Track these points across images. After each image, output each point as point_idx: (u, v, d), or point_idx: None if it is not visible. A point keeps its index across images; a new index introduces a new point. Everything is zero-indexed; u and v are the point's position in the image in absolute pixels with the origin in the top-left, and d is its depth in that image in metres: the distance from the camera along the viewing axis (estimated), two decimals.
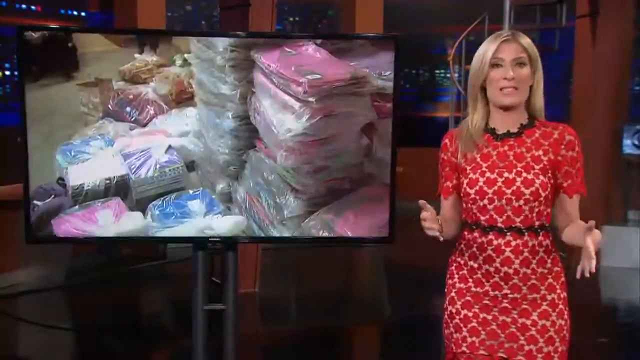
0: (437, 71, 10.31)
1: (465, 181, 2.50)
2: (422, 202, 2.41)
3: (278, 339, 5.42)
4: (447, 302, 2.62)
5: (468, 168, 2.51)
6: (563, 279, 2.56)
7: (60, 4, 6.78)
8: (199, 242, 3.23)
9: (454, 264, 2.61)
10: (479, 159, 2.51)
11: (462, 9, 9.69)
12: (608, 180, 7.22)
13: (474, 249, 2.51)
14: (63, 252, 6.39)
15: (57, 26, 3.29)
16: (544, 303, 2.50)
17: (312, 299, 6.21)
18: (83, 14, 7.01)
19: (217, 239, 3.21)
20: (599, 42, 7.00)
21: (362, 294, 6.76)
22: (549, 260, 2.52)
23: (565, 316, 2.54)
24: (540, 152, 2.48)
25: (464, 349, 2.54)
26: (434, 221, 2.42)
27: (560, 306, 2.53)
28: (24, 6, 6.37)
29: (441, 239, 2.44)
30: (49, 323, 5.31)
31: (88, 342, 5.23)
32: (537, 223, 2.47)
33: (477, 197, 2.47)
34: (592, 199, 7.01)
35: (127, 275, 6.75)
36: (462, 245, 2.57)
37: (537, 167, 2.46)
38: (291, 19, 10.24)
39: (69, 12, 6.92)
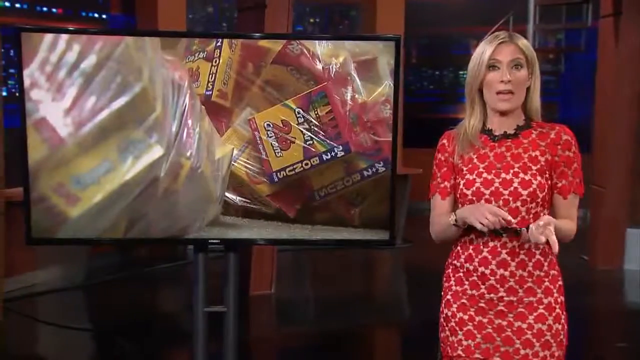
0: (461, 72, 10.26)
1: (462, 182, 2.50)
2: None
3: (293, 341, 5.42)
4: (443, 305, 2.61)
5: (465, 169, 2.51)
6: (560, 282, 2.53)
7: (82, 7, 6.85)
8: (198, 244, 3.24)
9: (451, 267, 2.60)
10: (475, 160, 2.50)
11: (486, 9, 9.64)
12: (633, 181, 7.11)
13: (470, 251, 2.50)
14: (80, 252, 6.44)
15: (57, 27, 3.30)
16: (540, 307, 2.47)
17: (328, 301, 6.20)
18: (104, 16, 7.07)
19: (217, 241, 3.21)
20: (622, 42, 6.90)
21: (379, 296, 6.75)
22: (546, 263, 2.49)
23: (563, 320, 2.51)
24: (538, 153, 2.46)
25: (459, 352, 2.53)
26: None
27: (557, 310, 2.49)
28: (44, 9, 6.45)
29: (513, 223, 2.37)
30: (66, 323, 5.36)
31: (105, 343, 5.27)
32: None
33: (474, 198, 2.45)
34: (616, 200, 6.99)
35: (145, 275, 6.79)
36: (459, 248, 2.56)
37: (534, 167, 2.44)
38: (312, 20, 10.24)
39: (90, 14, 6.98)
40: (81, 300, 6.33)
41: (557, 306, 2.50)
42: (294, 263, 7.24)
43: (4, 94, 5.40)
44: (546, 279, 2.48)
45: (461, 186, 2.50)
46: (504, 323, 2.47)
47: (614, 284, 6.84)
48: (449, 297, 2.58)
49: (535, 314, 2.46)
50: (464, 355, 2.52)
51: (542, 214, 2.45)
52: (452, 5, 10.05)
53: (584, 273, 6.95)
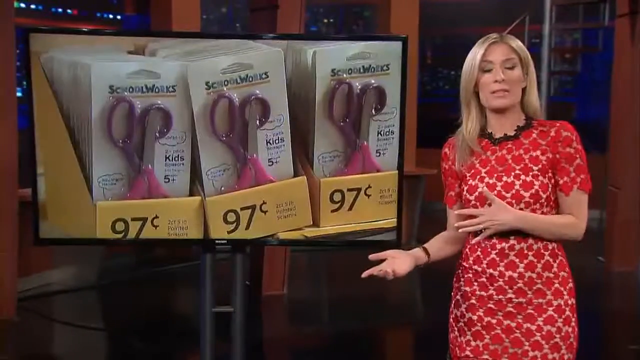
0: None
1: (465, 188, 2.50)
2: (372, 256, 2.57)
3: (305, 341, 5.42)
4: (452, 306, 2.61)
5: (468, 175, 2.50)
6: (571, 284, 2.50)
7: (97, 8, 6.88)
8: (206, 245, 3.25)
9: (460, 267, 2.59)
10: (477, 165, 2.49)
11: (502, 9, 9.59)
12: None
13: (479, 253, 2.49)
14: (96, 252, 6.47)
15: (65, 28, 3.32)
16: (550, 308, 2.44)
17: (341, 302, 6.19)
18: (119, 17, 7.10)
19: (224, 242, 3.22)
20: (639, 41, 6.84)
21: (392, 297, 6.71)
22: (555, 265, 2.46)
23: (573, 323, 2.48)
24: (538, 153, 2.44)
25: (467, 353, 2.51)
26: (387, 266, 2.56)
27: (567, 312, 2.46)
28: (59, 10, 6.49)
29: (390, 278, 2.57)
30: (82, 323, 5.38)
31: (118, 343, 5.29)
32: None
33: (478, 203, 2.44)
34: (632, 201, 6.90)
35: (160, 275, 6.81)
36: (467, 250, 2.55)
37: (535, 168, 2.42)
38: (326, 20, 10.25)
39: (105, 15, 7.02)
40: (96, 300, 6.35)
41: (567, 308, 2.46)
42: (306, 263, 7.23)
43: (19, 94, 5.44)
44: (556, 281, 2.46)
45: (465, 192, 2.50)
46: (513, 324, 2.45)
47: (629, 286, 6.79)
48: (458, 297, 2.58)
49: (544, 315, 2.44)
50: (472, 355, 2.50)
51: (549, 215, 2.43)
52: (467, 5, 10.02)
53: (599, 274, 6.91)
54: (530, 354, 2.44)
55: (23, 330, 5.31)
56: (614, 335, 5.55)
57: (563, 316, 2.45)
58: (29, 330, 5.34)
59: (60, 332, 5.42)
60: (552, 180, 2.44)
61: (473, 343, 2.50)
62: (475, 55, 2.43)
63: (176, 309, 6.32)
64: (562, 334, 2.45)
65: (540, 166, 2.42)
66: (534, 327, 2.44)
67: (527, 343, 2.44)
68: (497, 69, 2.40)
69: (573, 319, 2.48)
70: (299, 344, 5.38)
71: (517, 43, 2.45)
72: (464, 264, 2.56)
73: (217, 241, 3.22)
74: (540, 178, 2.41)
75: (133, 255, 7.06)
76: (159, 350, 5.01)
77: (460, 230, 2.47)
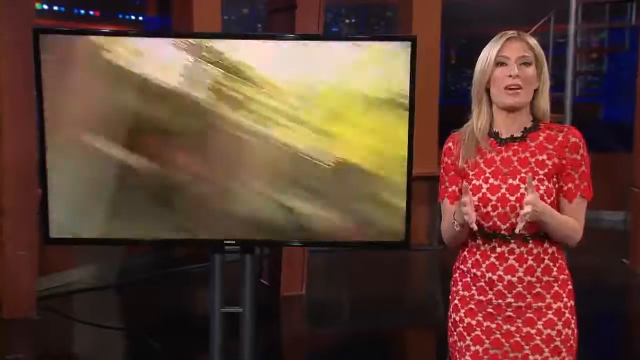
0: None
1: (469, 187, 2.44)
2: (465, 184, 2.33)
3: (324, 342, 5.40)
4: (450, 310, 2.58)
5: (471, 173, 2.46)
6: (570, 286, 2.49)
7: (118, 9, 6.92)
8: (214, 245, 3.25)
9: (458, 271, 2.57)
10: (482, 165, 2.45)
11: (527, 8, 9.48)
12: None
13: (477, 257, 2.46)
14: (117, 251, 6.51)
15: (75, 29, 3.35)
16: (550, 312, 2.43)
17: (360, 303, 6.17)
18: (140, 18, 7.13)
19: (232, 242, 3.22)
20: None
21: (412, 298, 6.68)
22: (555, 268, 2.44)
23: (572, 325, 2.47)
24: (545, 157, 2.41)
25: (467, 357, 2.50)
26: (472, 207, 2.31)
27: (567, 315, 2.45)
28: (82, 11, 6.53)
29: (475, 227, 2.32)
30: (100, 322, 5.41)
31: (137, 342, 5.31)
32: (542, 230, 2.40)
33: (481, 204, 2.41)
34: None
35: (179, 275, 6.83)
36: (465, 253, 2.52)
37: (541, 172, 2.39)
38: (347, 20, 10.24)
39: (127, 16, 7.05)
40: (115, 299, 6.39)
41: (567, 311, 2.45)
42: (326, 264, 7.20)
43: None
44: (555, 284, 2.44)
45: None
46: (513, 328, 2.44)
47: None
48: (456, 301, 2.55)
49: (544, 319, 2.42)
50: None
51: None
52: (492, 4, 9.94)
53: (623, 276, 6.81)
54: (531, 357, 2.43)
55: (43, 328, 5.36)
56: (637, 337, 5.48)
57: (563, 319, 2.43)
58: (48, 328, 5.38)
59: (80, 331, 5.46)
60: (557, 185, 2.41)
61: (473, 348, 2.49)
62: (490, 49, 2.40)
63: (194, 309, 6.33)
64: (562, 336, 2.43)
65: (546, 170, 2.39)
66: (533, 331, 2.42)
67: (527, 347, 2.43)
68: (512, 65, 2.37)
69: (573, 321, 2.47)
70: (317, 345, 5.37)
71: (533, 41, 2.43)
72: (462, 267, 2.53)
73: (225, 242, 3.22)
74: (546, 183, 2.38)
75: (152, 254, 7.08)
76: (176, 349, 5.01)
77: (526, 216, 2.28)
